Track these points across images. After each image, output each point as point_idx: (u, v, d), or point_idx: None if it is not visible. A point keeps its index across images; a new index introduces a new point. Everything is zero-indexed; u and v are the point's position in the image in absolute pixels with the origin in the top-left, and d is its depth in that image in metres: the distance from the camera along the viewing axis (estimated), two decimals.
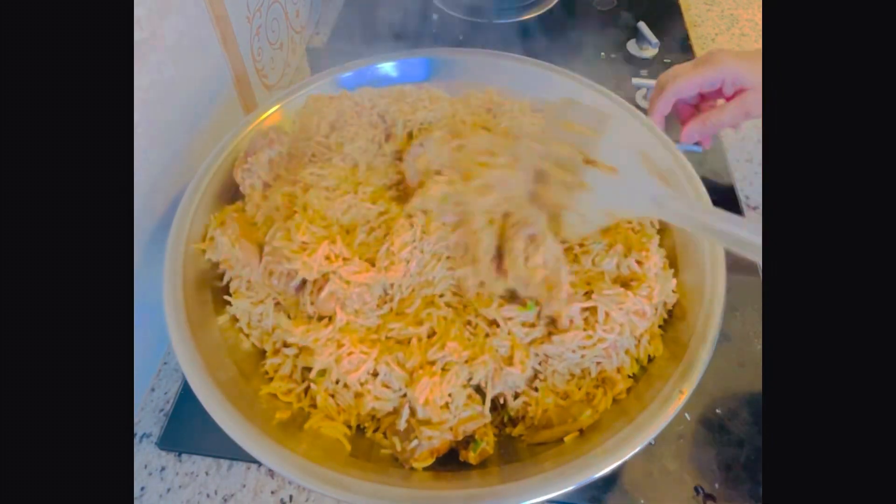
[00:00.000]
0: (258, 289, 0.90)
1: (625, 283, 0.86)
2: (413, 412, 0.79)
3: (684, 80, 1.07)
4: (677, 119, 1.18)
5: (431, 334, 0.84)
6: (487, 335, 0.83)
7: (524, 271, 0.83)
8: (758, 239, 0.67)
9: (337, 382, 0.82)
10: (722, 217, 0.74)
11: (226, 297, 0.91)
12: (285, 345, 0.86)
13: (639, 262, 0.87)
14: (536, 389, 0.83)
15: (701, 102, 1.17)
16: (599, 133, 0.84)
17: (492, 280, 0.85)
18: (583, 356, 0.82)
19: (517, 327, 0.83)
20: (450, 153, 0.95)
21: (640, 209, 0.83)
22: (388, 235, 0.89)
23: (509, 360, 0.81)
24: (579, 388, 0.83)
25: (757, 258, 0.69)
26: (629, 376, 0.84)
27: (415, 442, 0.77)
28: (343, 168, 0.98)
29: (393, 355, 0.81)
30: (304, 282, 0.87)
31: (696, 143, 1.19)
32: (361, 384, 0.81)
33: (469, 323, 0.85)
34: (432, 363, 0.80)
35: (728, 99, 1.09)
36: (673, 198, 0.78)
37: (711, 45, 1.66)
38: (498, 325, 0.84)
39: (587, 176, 0.83)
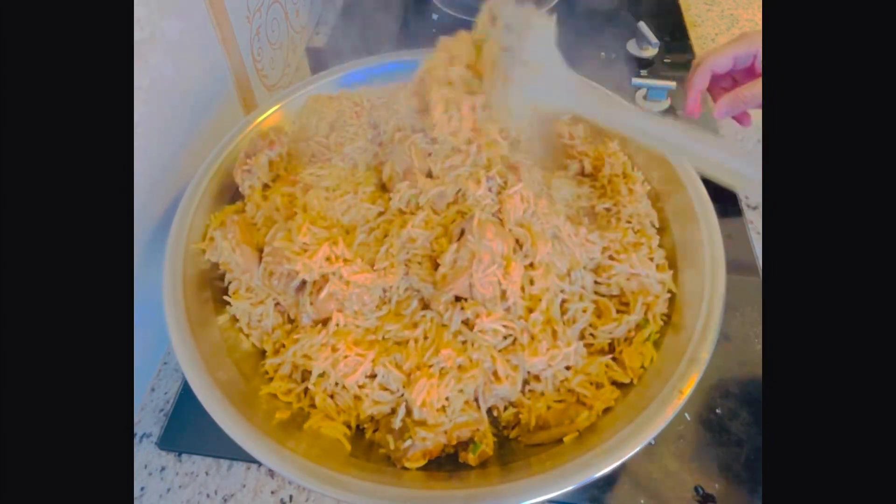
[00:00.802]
0: (258, 291, 0.91)
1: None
2: (409, 412, 0.79)
3: (718, 54, 1.10)
4: (714, 101, 1.19)
5: (427, 336, 0.84)
6: (465, 342, 0.84)
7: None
8: (673, 136, 0.76)
9: (336, 384, 0.82)
10: (639, 114, 0.82)
11: (225, 298, 0.92)
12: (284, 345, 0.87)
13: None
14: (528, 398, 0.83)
15: (734, 86, 1.17)
16: (528, 31, 0.88)
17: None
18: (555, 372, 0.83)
19: (489, 336, 0.83)
20: (412, 152, 0.96)
21: (557, 101, 0.90)
22: (386, 237, 0.89)
23: (496, 375, 0.81)
24: (572, 394, 0.83)
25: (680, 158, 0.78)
26: (620, 385, 0.84)
27: (408, 442, 0.77)
28: (343, 168, 0.98)
29: (391, 356, 0.81)
30: (303, 282, 0.87)
31: (738, 122, 1.20)
32: (360, 387, 0.81)
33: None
34: (430, 365, 0.80)
35: None
36: (588, 90, 0.87)
37: (711, 45, 1.66)
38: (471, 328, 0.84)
39: (513, 71, 0.87)
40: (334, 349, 0.81)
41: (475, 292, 0.84)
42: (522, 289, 0.86)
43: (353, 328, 0.84)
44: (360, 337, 0.83)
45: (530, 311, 0.84)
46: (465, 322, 0.84)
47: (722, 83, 1.18)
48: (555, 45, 0.89)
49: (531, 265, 0.87)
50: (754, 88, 1.09)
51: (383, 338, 0.84)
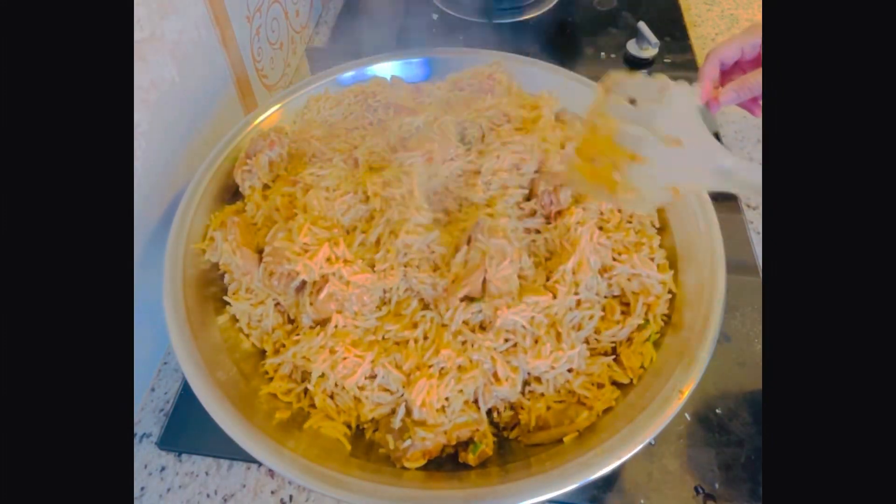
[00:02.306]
0: (258, 292, 0.91)
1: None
2: (409, 412, 0.79)
3: (726, 45, 1.11)
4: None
5: (427, 336, 0.84)
6: (465, 342, 0.83)
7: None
8: None
9: (336, 385, 0.82)
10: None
11: (225, 299, 0.92)
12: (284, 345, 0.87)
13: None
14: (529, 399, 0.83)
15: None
16: (660, 102, 0.81)
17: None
18: (557, 375, 0.83)
19: (489, 339, 0.83)
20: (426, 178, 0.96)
21: (705, 181, 0.80)
22: (380, 241, 0.89)
23: (496, 377, 0.81)
24: (572, 395, 0.83)
25: None
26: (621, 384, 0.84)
27: (408, 442, 0.77)
28: (343, 168, 0.98)
29: (390, 357, 0.81)
30: (303, 283, 0.87)
31: (749, 111, 1.21)
32: (360, 388, 0.81)
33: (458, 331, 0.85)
34: (429, 366, 0.80)
35: None
36: (741, 167, 0.76)
37: (712, 45, 1.65)
38: (481, 329, 0.85)
39: (646, 149, 0.80)
40: (332, 351, 0.81)
41: (491, 288, 0.84)
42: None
43: (353, 329, 0.84)
44: (358, 338, 0.83)
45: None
46: (475, 323, 0.85)
47: (733, 76, 1.20)
48: (698, 116, 0.82)
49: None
50: (759, 76, 1.10)
51: (383, 338, 0.84)
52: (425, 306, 0.87)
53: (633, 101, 0.83)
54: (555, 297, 0.84)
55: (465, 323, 0.84)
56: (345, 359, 0.80)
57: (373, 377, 0.82)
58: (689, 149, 0.78)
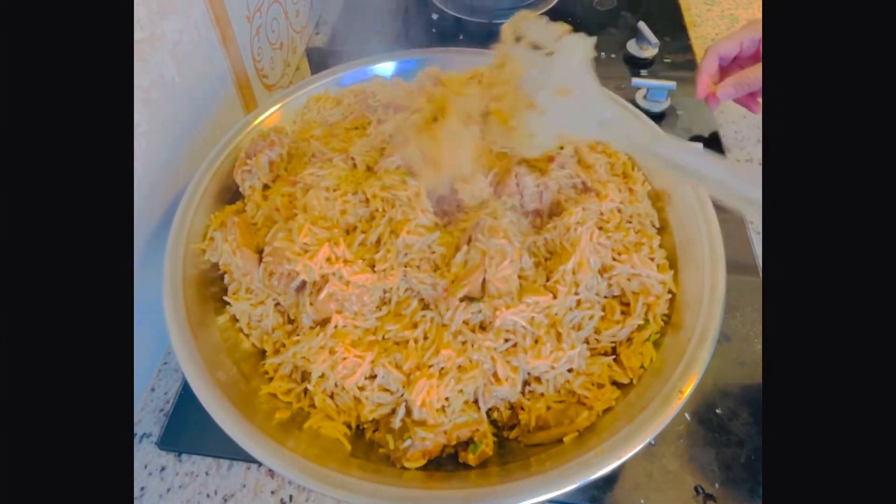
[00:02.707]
0: (258, 292, 0.90)
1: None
2: (409, 412, 0.79)
3: (725, 40, 1.12)
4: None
5: (427, 336, 0.84)
6: (465, 342, 0.83)
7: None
8: (720, 172, 0.72)
9: (336, 385, 0.82)
10: (679, 145, 0.77)
11: (225, 299, 0.92)
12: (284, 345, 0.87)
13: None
14: (529, 399, 0.83)
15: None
16: (555, 51, 0.83)
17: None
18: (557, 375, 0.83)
19: (489, 339, 0.83)
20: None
21: (587, 131, 0.84)
22: (380, 241, 0.89)
23: (496, 377, 0.81)
24: (572, 395, 0.83)
25: (721, 195, 0.74)
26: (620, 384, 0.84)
27: (408, 441, 0.77)
28: (343, 168, 0.98)
29: (390, 357, 0.81)
30: (304, 283, 0.87)
31: (747, 108, 1.22)
32: (360, 389, 0.81)
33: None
34: (429, 366, 0.80)
35: None
36: (621, 121, 0.80)
37: (714, 41, 1.66)
38: (481, 329, 0.85)
39: (541, 97, 0.82)
40: (332, 351, 0.81)
41: (491, 288, 0.84)
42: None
43: (352, 329, 0.84)
44: (358, 338, 0.83)
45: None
46: (475, 323, 0.85)
47: (731, 72, 1.20)
48: (590, 69, 0.83)
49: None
50: (757, 71, 1.11)
51: (383, 338, 0.84)
52: (425, 306, 0.87)
53: (536, 46, 0.84)
54: (555, 297, 0.84)
55: (465, 323, 0.84)
56: (345, 359, 0.80)
57: (373, 377, 0.81)
58: (578, 99, 0.81)
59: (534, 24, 0.85)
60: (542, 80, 0.83)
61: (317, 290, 0.85)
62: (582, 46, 0.83)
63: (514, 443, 0.82)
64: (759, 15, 1.75)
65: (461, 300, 0.84)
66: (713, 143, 1.36)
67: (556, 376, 0.82)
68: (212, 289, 0.93)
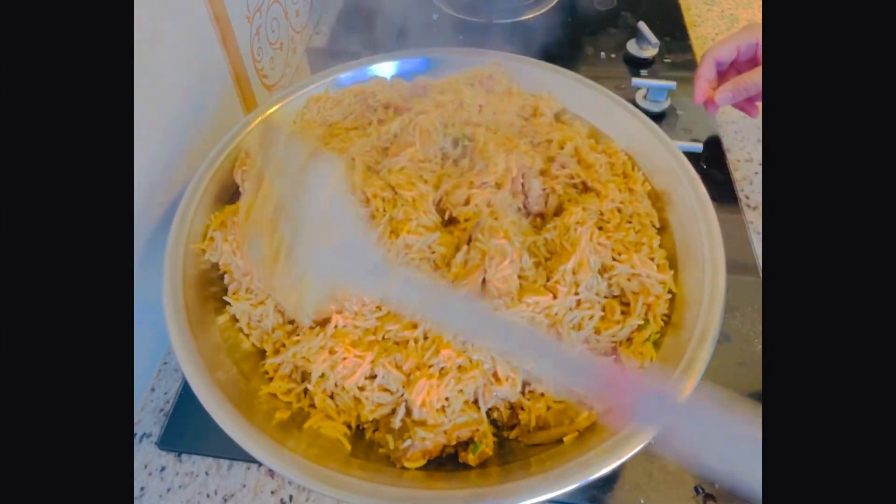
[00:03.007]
0: (258, 292, 0.90)
1: None
2: (409, 412, 0.79)
3: (722, 44, 1.12)
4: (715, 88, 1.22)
5: (427, 336, 0.84)
6: (465, 342, 0.83)
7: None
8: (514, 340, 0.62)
9: (336, 385, 0.82)
10: (474, 311, 0.67)
11: (225, 299, 0.92)
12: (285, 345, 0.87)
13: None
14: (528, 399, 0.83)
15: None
16: (304, 178, 0.71)
17: None
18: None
19: None
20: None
21: (359, 286, 0.74)
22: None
23: (496, 377, 0.81)
24: (572, 395, 0.83)
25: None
26: None
27: (408, 441, 0.77)
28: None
29: (390, 357, 0.81)
30: None
31: (745, 112, 1.22)
32: (360, 389, 0.81)
33: None
34: (429, 366, 0.80)
35: None
36: (395, 271, 0.70)
37: (711, 45, 1.66)
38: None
39: (297, 243, 0.71)
40: (332, 352, 0.81)
41: (490, 288, 0.84)
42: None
43: (352, 329, 0.84)
44: (358, 338, 0.83)
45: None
46: None
47: (728, 76, 1.20)
48: (346, 200, 0.72)
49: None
50: (755, 76, 1.11)
51: (383, 338, 0.84)
52: None
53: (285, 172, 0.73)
54: (555, 297, 0.84)
55: None
56: (345, 359, 0.80)
57: (373, 377, 0.81)
58: (341, 243, 0.70)
59: (281, 142, 0.75)
60: (296, 213, 0.71)
61: None
62: (333, 170, 0.71)
63: (514, 443, 0.82)
64: (759, 15, 1.75)
65: None
66: (713, 145, 1.36)
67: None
68: (212, 289, 0.93)
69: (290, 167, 0.70)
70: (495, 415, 0.84)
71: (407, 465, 0.77)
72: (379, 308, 0.86)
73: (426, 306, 0.69)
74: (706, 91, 1.22)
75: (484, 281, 0.84)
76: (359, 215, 0.72)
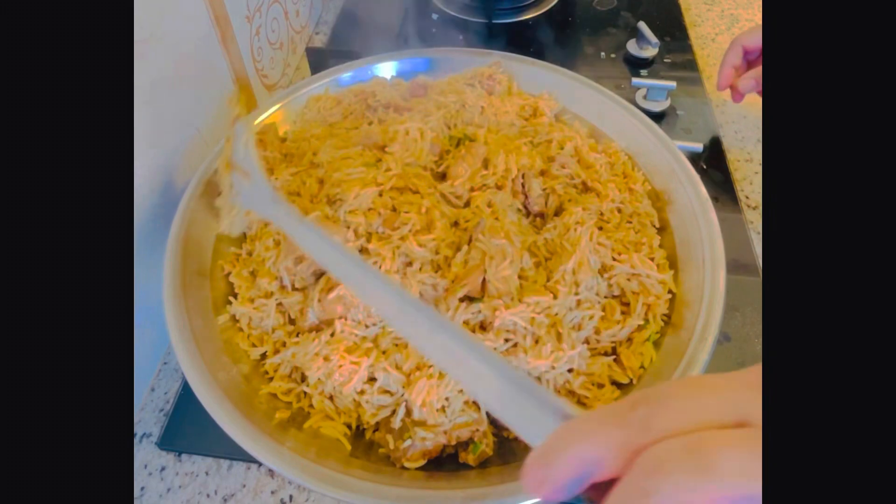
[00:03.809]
0: (263, 287, 0.91)
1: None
2: (409, 412, 0.79)
3: (751, 31, 1.12)
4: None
5: None
6: None
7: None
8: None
9: (334, 389, 0.82)
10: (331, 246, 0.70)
11: (230, 300, 0.92)
12: (285, 345, 0.87)
13: None
14: None
15: None
16: (237, 137, 0.90)
17: None
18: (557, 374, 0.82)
19: (490, 339, 0.82)
20: None
21: (264, 211, 0.84)
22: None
23: None
24: (572, 395, 0.82)
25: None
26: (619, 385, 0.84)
27: (408, 442, 0.77)
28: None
29: (390, 358, 0.81)
30: (320, 276, 0.87)
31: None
32: (359, 393, 0.81)
33: None
34: (429, 366, 0.80)
35: None
36: (282, 204, 0.81)
37: (712, 45, 1.67)
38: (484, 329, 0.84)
39: (234, 179, 0.90)
40: (326, 359, 0.81)
41: (490, 288, 0.84)
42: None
43: (349, 335, 0.84)
44: (353, 344, 0.83)
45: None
46: (475, 323, 0.85)
47: (755, 66, 1.21)
48: (255, 155, 0.89)
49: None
50: None
51: (376, 341, 0.84)
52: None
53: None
54: (555, 297, 0.84)
55: (466, 323, 0.83)
56: (340, 366, 0.80)
57: (372, 380, 0.81)
58: (254, 181, 0.87)
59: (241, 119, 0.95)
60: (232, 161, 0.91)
61: (328, 287, 0.85)
62: (244, 130, 0.92)
63: (514, 443, 0.82)
64: (759, 15, 1.76)
65: (461, 300, 0.84)
66: (713, 145, 1.36)
67: (556, 376, 0.82)
68: (212, 288, 0.93)
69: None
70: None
71: (407, 465, 0.77)
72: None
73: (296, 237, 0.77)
74: (730, 78, 1.22)
75: (484, 281, 0.84)
76: (260, 171, 0.87)
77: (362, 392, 0.81)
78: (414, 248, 0.87)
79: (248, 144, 0.89)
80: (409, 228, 0.89)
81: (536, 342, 0.82)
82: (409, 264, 0.88)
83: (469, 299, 0.85)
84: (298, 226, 0.76)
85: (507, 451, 0.81)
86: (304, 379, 0.84)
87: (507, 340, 0.82)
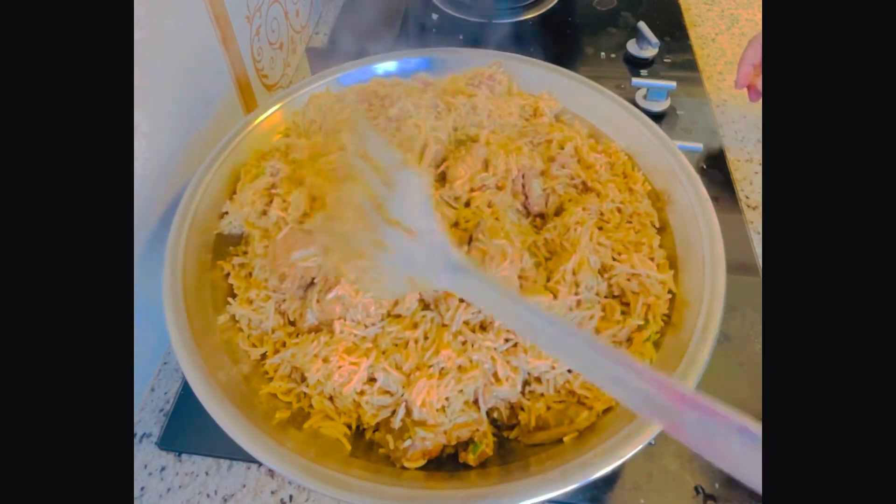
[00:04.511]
0: (260, 293, 0.90)
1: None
2: (409, 412, 0.79)
3: None
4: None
5: (427, 337, 0.83)
6: (465, 342, 0.83)
7: None
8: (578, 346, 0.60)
9: (334, 390, 0.82)
10: (530, 310, 0.64)
11: (229, 300, 0.92)
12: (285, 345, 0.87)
13: None
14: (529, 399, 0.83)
15: None
16: (393, 184, 0.74)
17: None
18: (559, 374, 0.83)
19: (490, 339, 0.82)
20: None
21: (437, 280, 0.72)
22: None
23: (496, 377, 0.81)
24: (572, 395, 0.83)
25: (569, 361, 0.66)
26: None
27: (408, 441, 0.77)
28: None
29: (390, 358, 0.81)
30: (313, 280, 0.87)
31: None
32: (359, 394, 0.81)
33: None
34: (429, 366, 0.80)
35: None
36: (468, 271, 0.70)
37: (711, 45, 1.67)
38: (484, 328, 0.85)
39: (387, 235, 0.73)
40: (326, 360, 0.81)
41: None
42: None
43: (349, 336, 0.84)
44: (353, 345, 0.83)
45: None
46: (475, 323, 0.85)
47: None
48: (431, 208, 0.74)
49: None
50: None
51: (376, 341, 0.84)
52: (426, 306, 0.87)
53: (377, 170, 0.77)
54: (555, 297, 0.84)
55: (466, 323, 0.83)
56: (339, 367, 0.80)
57: (372, 380, 0.81)
58: (422, 241, 0.72)
59: (373, 141, 0.77)
60: (387, 208, 0.74)
61: (327, 288, 0.85)
62: (420, 182, 0.75)
63: (514, 443, 0.82)
64: (759, 15, 1.76)
65: (461, 300, 0.84)
66: (713, 145, 1.36)
67: (556, 376, 0.82)
68: (212, 289, 0.93)
69: (385, 166, 0.74)
70: (495, 415, 0.84)
71: (407, 465, 0.77)
72: (382, 319, 0.86)
73: (496, 309, 0.70)
74: (748, 76, 1.21)
75: None
76: (439, 221, 0.73)
77: (362, 393, 0.81)
78: None
79: (423, 198, 0.74)
80: None
81: None
82: None
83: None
84: (489, 292, 0.69)
85: (507, 451, 0.81)
86: (303, 379, 0.84)
87: (507, 340, 0.82)
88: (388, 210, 0.73)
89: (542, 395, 0.82)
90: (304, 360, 0.82)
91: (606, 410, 0.80)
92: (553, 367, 0.81)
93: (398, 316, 0.86)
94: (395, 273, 0.74)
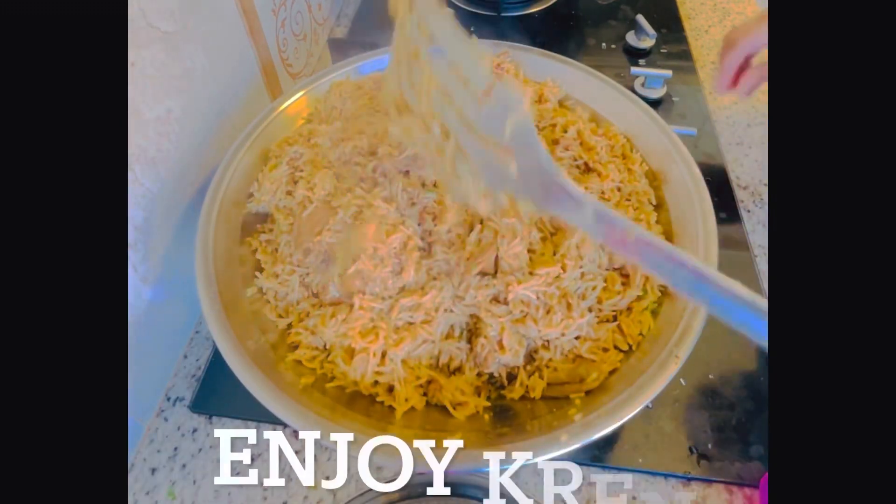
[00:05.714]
0: (286, 267, 0.90)
1: None
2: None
3: (750, 34, 1.03)
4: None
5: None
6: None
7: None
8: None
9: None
10: (663, 246, 0.59)
11: (256, 274, 0.92)
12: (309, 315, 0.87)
13: None
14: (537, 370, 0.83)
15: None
16: (478, 90, 0.63)
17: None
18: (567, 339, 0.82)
19: (496, 306, 0.83)
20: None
21: (540, 201, 0.64)
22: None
23: (501, 345, 0.81)
24: (581, 359, 0.82)
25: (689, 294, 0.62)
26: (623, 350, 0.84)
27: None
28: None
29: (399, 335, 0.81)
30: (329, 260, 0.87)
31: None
32: (376, 374, 0.81)
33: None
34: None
35: None
36: (580, 197, 0.61)
37: (705, 37, 1.66)
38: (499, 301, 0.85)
39: (468, 145, 0.66)
40: (347, 349, 0.82)
41: (503, 265, 0.84)
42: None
43: (368, 309, 0.83)
44: (369, 323, 0.82)
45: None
46: (495, 297, 0.85)
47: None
48: (536, 133, 0.64)
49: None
50: None
51: (388, 317, 0.83)
52: (433, 278, 0.87)
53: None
54: (564, 269, 0.84)
55: (496, 299, 0.84)
56: (360, 352, 0.80)
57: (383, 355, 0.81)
58: (520, 160, 0.63)
59: (441, 23, 0.68)
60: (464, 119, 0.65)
61: (349, 263, 0.85)
62: (522, 102, 0.63)
63: (518, 404, 0.81)
64: (750, 9, 1.75)
65: (477, 276, 0.84)
66: (706, 129, 1.35)
67: (563, 343, 0.81)
68: (240, 264, 0.93)
69: (471, 78, 0.64)
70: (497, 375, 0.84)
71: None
72: (398, 292, 0.86)
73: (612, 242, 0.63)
74: (731, 81, 1.19)
75: (497, 258, 0.84)
76: (545, 151, 0.63)
77: (380, 374, 0.81)
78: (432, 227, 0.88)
79: (523, 111, 0.62)
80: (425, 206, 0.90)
81: (548, 312, 0.81)
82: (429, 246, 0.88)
83: (482, 275, 0.85)
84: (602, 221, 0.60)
85: (509, 412, 0.80)
86: (325, 347, 0.84)
87: (521, 312, 0.82)
88: (478, 129, 0.64)
89: (550, 359, 0.82)
90: (325, 337, 0.83)
91: (612, 372, 0.80)
92: (563, 335, 0.80)
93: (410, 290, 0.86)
94: (472, 182, 0.68)
